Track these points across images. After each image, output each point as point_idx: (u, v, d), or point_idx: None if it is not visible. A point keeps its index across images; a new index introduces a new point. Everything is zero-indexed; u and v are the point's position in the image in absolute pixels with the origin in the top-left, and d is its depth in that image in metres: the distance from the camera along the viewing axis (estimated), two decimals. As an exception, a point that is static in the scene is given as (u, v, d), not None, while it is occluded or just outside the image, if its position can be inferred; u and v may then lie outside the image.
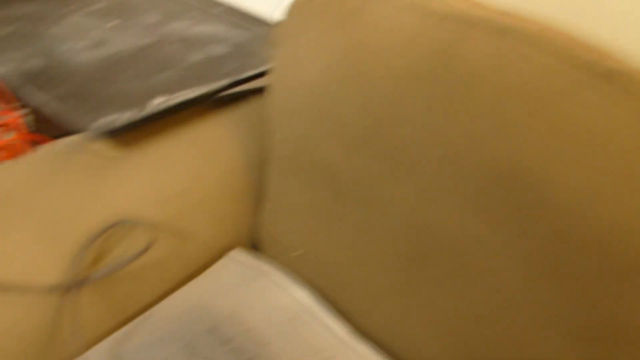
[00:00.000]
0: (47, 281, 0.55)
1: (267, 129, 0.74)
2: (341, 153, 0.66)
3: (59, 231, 0.59)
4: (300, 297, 0.70)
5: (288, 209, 0.74)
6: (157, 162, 0.69)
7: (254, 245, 0.80)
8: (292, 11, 0.66)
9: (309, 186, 0.70)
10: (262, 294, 0.69)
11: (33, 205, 0.60)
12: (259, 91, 0.80)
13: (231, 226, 0.76)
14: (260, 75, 0.83)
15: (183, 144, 0.72)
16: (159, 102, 0.71)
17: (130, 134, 0.70)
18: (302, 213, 0.72)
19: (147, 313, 0.64)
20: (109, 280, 0.61)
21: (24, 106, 0.79)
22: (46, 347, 0.56)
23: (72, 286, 0.56)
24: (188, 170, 0.71)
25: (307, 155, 0.70)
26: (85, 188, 0.63)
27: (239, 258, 0.73)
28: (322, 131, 0.67)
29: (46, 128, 0.80)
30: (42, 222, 0.59)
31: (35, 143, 0.81)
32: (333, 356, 0.64)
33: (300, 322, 0.66)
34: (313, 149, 0.69)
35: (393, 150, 0.61)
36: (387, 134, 0.60)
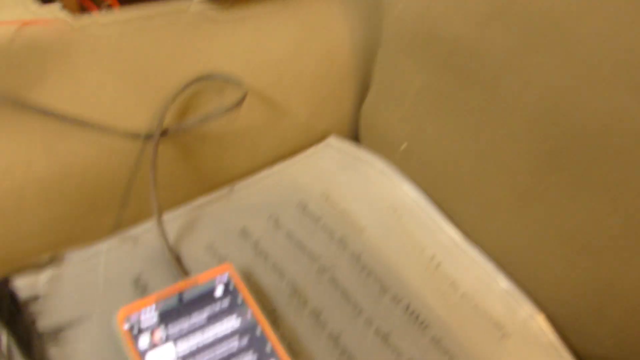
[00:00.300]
0: (130, 127, 0.49)
1: (381, 5, 0.64)
2: (469, 26, 0.55)
3: (148, 80, 0.53)
4: (406, 189, 0.60)
5: (397, 95, 0.64)
6: (257, 28, 0.62)
7: (354, 136, 0.71)
8: None
9: (426, 67, 0.60)
10: (361, 180, 0.60)
11: (124, 54, 0.54)
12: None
13: (329, 110, 0.67)
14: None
15: (287, 14, 0.64)
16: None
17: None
18: (413, 99, 0.62)
19: (231, 184, 0.58)
20: (194, 140, 0.55)
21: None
22: (120, 194, 0.50)
23: (155, 135, 0.50)
24: (288, 41, 0.63)
25: (427, 31, 0.60)
26: (179, 42, 0.57)
27: (336, 144, 0.65)
28: (447, 2, 0.57)
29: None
30: (132, 69, 0.53)
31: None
32: (439, 255, 0.54)
33: (404, 213, 0.57)
34: (435, 23, 0.59)
35: (535, 21, 0.49)
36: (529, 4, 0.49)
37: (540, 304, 0.55)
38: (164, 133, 0.52)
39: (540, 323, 0.52)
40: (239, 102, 0.54)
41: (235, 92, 0.57)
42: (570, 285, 0.53)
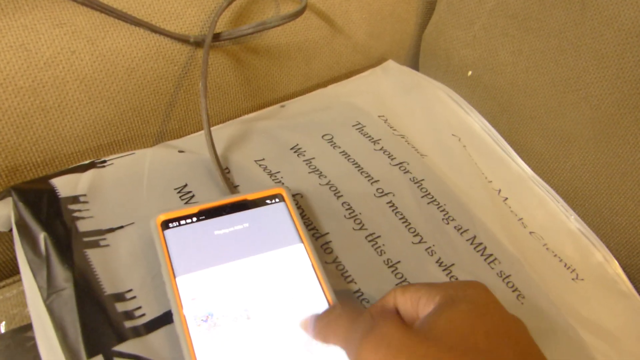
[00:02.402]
0: (179, 30, 0.45)
1: None
2: None
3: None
4: (473, 118, 0.55)
5: (466, 14, 0.58)
6: None
7: (412, 64, 0.66)
8: None
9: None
10: (423, 105, 0.55)
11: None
12: None
13: (389, 31, 0.62)
14: None
15: None
16: None
17: None
18: (485, 20, 0.56)
19: (283, 102, 0.53)
20: (247, 50, 0.50)
21: None
22: (167, 101, 0.46)
23: (207, 38, 0.45)
24: (350, -50, 0.57)
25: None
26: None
27: (395, 68, 0.60)
28: None
29: None
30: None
31: None
32: (507, 189, 0.49)
33: (469, 143, 0.52)
34: None
35: None
36: None
37: (613, 251, 0.50)
38: (216, 38, 0.47)
39: (616, 269, 0.47)
40: (299, 13, 0.49)
41: (293, 2, 0.52)
42: (650, 231, 0.47)
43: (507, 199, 0.49)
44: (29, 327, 0.38)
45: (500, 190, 0.49)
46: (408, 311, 0.29)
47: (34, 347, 0.32)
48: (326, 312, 0.31)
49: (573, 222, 0.50)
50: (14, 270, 0.44)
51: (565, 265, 0.45)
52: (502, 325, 0.26)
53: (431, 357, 0.24)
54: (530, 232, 0.47)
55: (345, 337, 0.28)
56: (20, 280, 0.39)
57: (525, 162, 0.54)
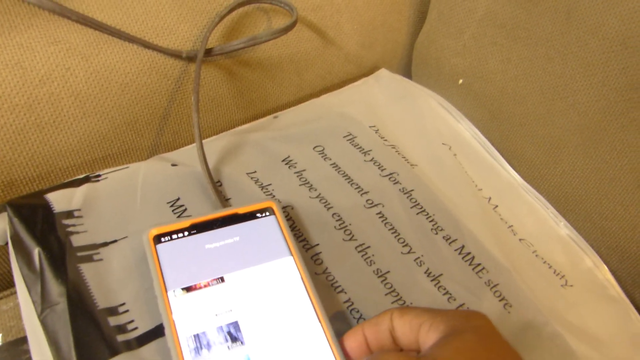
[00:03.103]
0: (172, 45, 0.46)
1: None
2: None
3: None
4: (463, 127, 0.56)
5: (456, 24, 0.58)
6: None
7: (404, 72, 0.66)
8: None
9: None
10: (414, 114, 0.55)
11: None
12: None
13: (381, 41, 0.62)
14: None
15: None
16: None
17: None
18: (475, 29, 0.56)
19: (276, 113, 0.54)
20: (239, 64, 0.51)
21: None
22: (160, 115, 0.47)
23: (199, 53, 0.46)
24: (341, -38, 0.58)
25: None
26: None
27: (387, 77, 0.60)
28: None
29: None
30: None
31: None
32: (496, 197, 0.50)
33: (460, 151, 0.53)
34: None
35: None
36: None
37: (603, 256, 0.51)
38: (208, 53, 0.48)
39: (605, 274, 0.48)
40: (289, 27, 0.49)
41: (284, 16, 0.53)
42: (639, 236, 0.48)
43: (497, 206, 0.50)
44: (25, 340, 0.38)
45: (490, 198, 0.50)
46: (406, 334, 0.29)
47: (30, 360, 0.33)
48: None
49: (563, 228, 0.51)
50: (12, 283, 0.45)
51: (555, 271, 0.46)
52: (506, 357, 0.27)
53: None
54: (520, 240, 0.48)
55: None
56: (16, 292, 0.40)
57: (516, 169, 0.54)
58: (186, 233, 0.36)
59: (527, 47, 0.52)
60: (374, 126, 0.52)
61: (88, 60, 0.42)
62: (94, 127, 0.43)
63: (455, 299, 0.39)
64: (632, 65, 0.46)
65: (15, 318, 0.40)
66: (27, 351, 0.36)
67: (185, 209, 0.40)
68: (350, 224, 0.42)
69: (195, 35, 0.48)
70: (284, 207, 0.41)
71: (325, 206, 0.43)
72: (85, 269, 0.34)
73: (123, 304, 0.34)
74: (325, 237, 0.40)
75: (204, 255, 0.35)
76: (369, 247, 0.41)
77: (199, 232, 0.36)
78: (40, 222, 0.36)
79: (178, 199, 0.40)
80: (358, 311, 0.37)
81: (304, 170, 0.45)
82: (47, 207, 0.37)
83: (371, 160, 0.48)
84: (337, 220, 0.42)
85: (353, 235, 0.41)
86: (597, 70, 0.48)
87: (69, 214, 0.37)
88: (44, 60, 0.40)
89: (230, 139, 0.48)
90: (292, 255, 0.36)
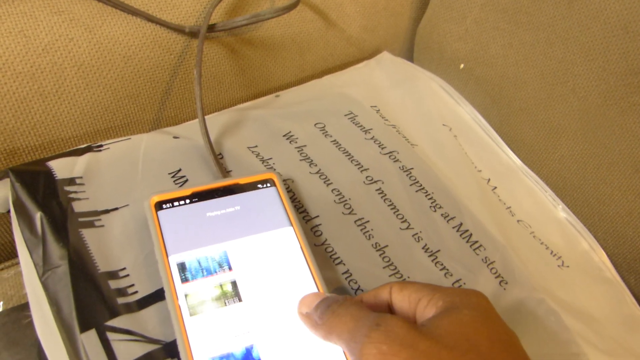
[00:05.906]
0: (175, 20, 0.46)
1: None
2: None
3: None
4: (464, 109, 0.56)
5: (458, 9, 0.59)
6: None
7: (407, 57, 0.66)
8: None
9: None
10: (415, 96, 0.56)
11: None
12: None
13: (384, 25, 0.62)
14: None
15: None
16: None
17: None
18: (477, 14, 0.57)
19: (279, 92, 0.54)
20: (241, 42, 0.51)
21: None
22: (162, 89, 0.47)
23: (202, 28, 0.46)
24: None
25: None
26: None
27: (389, 59, 0.61)
28: None
29: None
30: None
31: None
32: (495, 179, 0.50)
33: (460, 133, 0.53)
34: None
35: None
36: None
37: (599, 240, 0.51)
38: (211, 29, 0.48)
39: (601, 257, 0.48)
40: (293, 5, 0.50)
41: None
42: (636, 221, 0.49)
43: (495, 188, 0.50)
44: (25, 306, 0.39)
45: (489, 180, 0.50)
46: (404, 308, 0.29)
47: (30, 324, 0.33)
48: (334, 302, 0.30)
49: (560, 211, 0.51)
50: (12, 254, 0.45)
51: (552, 252, 0.46)
52: (503, 334, 0.27)
53: (432, 353, 0.25)
54: (518, 220, 0.48)
55: (350, 330, 0.27)
56: (17, 263, 0.40)
57: (515, 153, 0.55)
58: (187, 201, 0.36)
59: (528, 31, 0.53)
60: (375, 106, 0.52)
61: (92, 32, 0.42)
62: (97, 98, 0.44)
63: (451, 275, 0.40)
64: (632, 49, 0.46)
65: (15, 287, 0.41)
66: (28, 316, 0.36)
67: (187, 180, 0.40)
68: (349, 199, 0.42)
69: (198, 11, 0.48)
70: (284, 180, 0.41)
71: (325, 181, 0.43)
72: (87, 234, 0.35)
73: (124, 268, 0.34)
74: (324, 210, 0.41)
75: (204, 223, 0.35)
76: (368, 221, 0.41)
77: (200, 200, 0.36)
78: (42, 188, 0.37)
79: (179, 170, 0.41)
80: (356, 282, 0.37)
81: (304, 145, 0.45)
82: (49, 173, 0.38)
83: (371, 138, 0.48)
84: (336, 195, 0.42)
85: (352, 210, 0.41)
86: (598, 54, 0.48)
87: (71, 181, 0.38)
88: (47, 29, 0.40)
89: (232, 115, 0.48)
90: (292, 225, 0.36)
